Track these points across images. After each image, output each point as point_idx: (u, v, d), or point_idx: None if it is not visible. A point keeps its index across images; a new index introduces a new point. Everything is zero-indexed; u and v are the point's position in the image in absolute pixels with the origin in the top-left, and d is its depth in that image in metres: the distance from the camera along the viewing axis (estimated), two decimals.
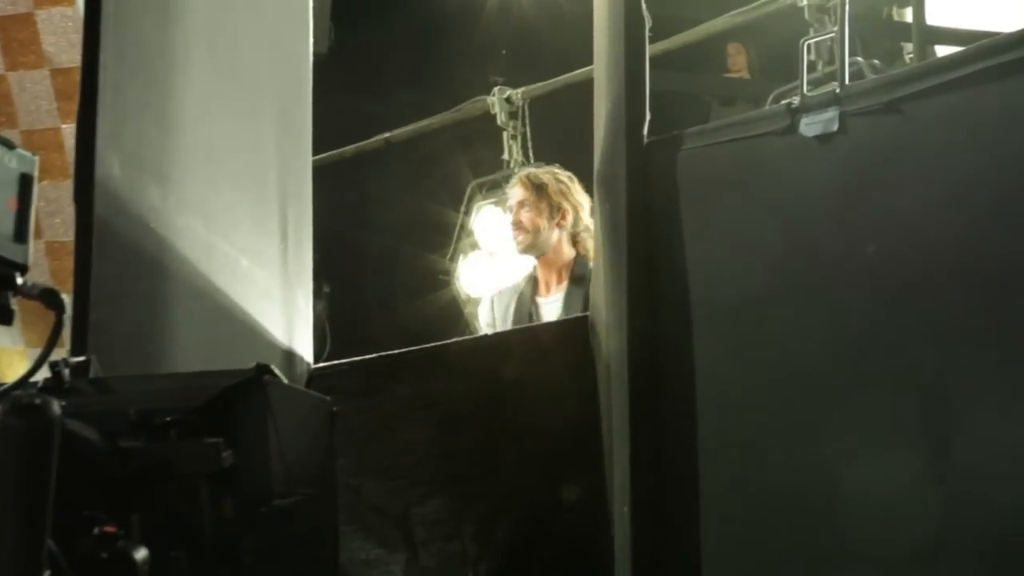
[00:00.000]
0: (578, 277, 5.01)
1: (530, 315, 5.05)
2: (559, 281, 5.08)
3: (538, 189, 5.10)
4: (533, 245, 5.08)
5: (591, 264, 4.89)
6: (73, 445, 1.96)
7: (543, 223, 5.07)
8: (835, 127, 3.08)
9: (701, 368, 3.29)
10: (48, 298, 1.85)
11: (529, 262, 5.28)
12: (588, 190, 4.79)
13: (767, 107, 4.16)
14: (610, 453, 3.50)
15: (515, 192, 5.17)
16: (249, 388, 2.20)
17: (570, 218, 5.07)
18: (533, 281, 5.15)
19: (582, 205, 5.06)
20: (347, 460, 3.79)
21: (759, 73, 8.31)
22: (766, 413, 3.18)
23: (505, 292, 5.28)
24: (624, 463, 3.35)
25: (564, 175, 5.16)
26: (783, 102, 3.27)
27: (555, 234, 5.06)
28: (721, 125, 3.51)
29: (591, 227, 4.75)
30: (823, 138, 3.11)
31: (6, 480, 1.66)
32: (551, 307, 5.04)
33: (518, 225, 5.09)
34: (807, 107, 3.15)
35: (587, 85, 3.99)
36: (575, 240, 5.08)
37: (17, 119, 5.32)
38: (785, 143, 3.20)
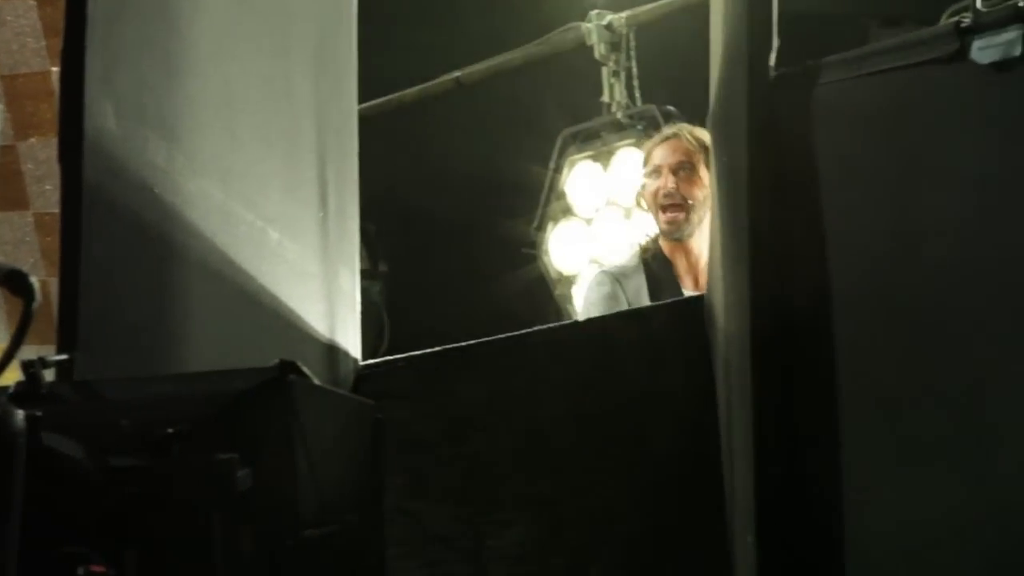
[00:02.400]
0: None
1: None
2: (701, 274, 4.98)
3: (706, 152, 4.90)
4: (687, 225, 4.99)
5: None
6: (52, 464, 1.98)
7: (701, 198, 4.97)
8: (1017, 51, 3.03)
9: (845, 363, 3.25)
10: (13, 282, 1.86)
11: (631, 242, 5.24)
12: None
13: (932, 28, 4.10)
14: (731, 469, 3.48)
15: (668, 150, 5.06)
16: (271, 391, 2.21)
17: None
18: (666, 266, 5.04)
19: None
20: (403, 480, 3.81)
21: None
22: (932, 420, 3.14)
23: (628, 270, 5.11)
24: (748, 481, 3.32)
25: None
26: (950, 20, 3.22)
27: (707, 215, 4.89)
28: (870, 51, 3.46)
29: None
30: (1002, 65, 3.06)
31: None
32: None
33: (672, 196, 4.98)
34: (981, 26, 3.10)
35: (706, 7, 3.96)
36: None
37: None
38: (953, 72, 3.15)
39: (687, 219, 4.97)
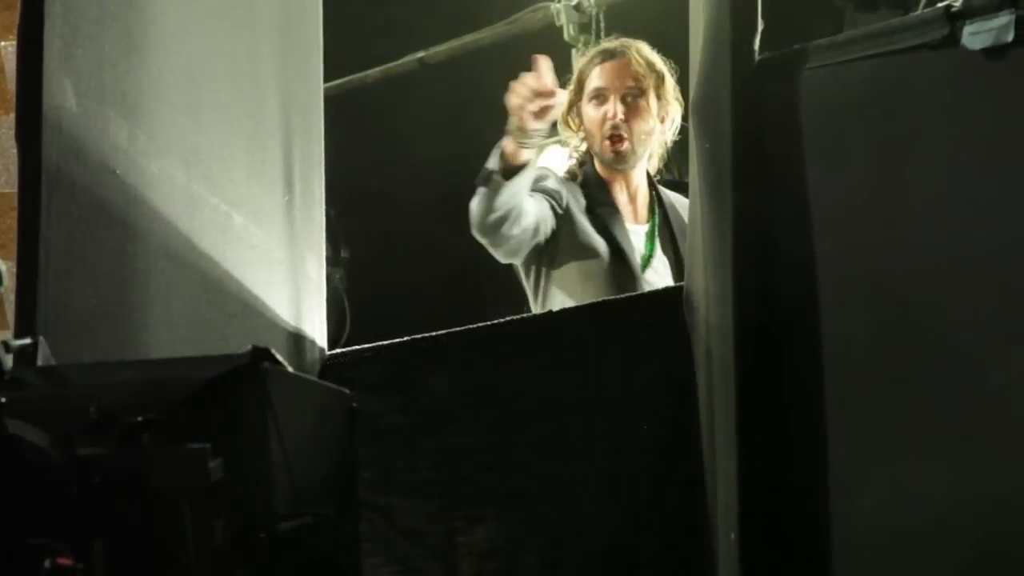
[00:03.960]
0: (665, 207, 4.85)
1: (616, 238, 4.75)
2: (639, 207, 4.89)
3: (658, 78, 4.78)
4: (633, 157, 4.81)
5: (663, 191, 4.84)
6: (16, 452, 1.98)
7: (649, 129, 4.80)
8: (1009, 37, 3.04)
9: (830, 354, 3.26)
10: None
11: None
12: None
13: (919, 12, 4.13)
14: (712, 464, 3.49)
15: (614, 73, 4.82)
16: (243, 379, 2.21)
17: (670, 124, 4.82)
18: (603, 188, 4.85)
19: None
20: (372, 473, 3.81)
21: None
22: (918, 411, 3.16)
23: (565, 189, 4.87)
24: (730, 477, 3.34)
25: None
26: (940, 4, 3.23)
27: (652, 147, 4.83)
28: (857, 36, 3.48)
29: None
30: (993, 52, 3.07)
31: None
32: (638, 239, 4.81)
33: (620, 128, 4.77)
34: (972, 10, 3.11)
35: None
36: None
37: None
38: (941, 59, 3.16)
39: (633, 151, 4.80)
